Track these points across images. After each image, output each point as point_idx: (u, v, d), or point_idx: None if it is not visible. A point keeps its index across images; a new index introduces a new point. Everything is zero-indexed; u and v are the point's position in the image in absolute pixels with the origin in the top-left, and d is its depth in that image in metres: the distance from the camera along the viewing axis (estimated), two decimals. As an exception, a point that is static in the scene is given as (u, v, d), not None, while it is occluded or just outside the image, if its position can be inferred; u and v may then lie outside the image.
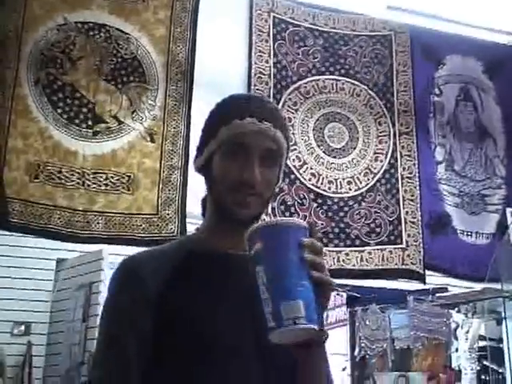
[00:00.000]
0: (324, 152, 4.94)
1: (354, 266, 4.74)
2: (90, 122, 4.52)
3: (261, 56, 4.92)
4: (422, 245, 4.93)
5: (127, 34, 4.73)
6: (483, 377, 4.65)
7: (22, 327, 4.18)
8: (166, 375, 1.22)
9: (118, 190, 4.44)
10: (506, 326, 4.44)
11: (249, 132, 1.30)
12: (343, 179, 4.91)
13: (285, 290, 1.10)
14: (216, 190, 1.34)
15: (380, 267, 4.79)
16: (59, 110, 4.46)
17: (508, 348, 4.45)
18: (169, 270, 1.26)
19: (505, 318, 4.43)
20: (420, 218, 5.00)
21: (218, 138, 1.33)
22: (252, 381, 1.23)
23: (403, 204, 4.98)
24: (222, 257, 1.32)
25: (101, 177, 4.43)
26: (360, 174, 4.96)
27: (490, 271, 4.53)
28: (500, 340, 4.56)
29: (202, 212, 1.43)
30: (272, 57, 4.94)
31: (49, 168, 4.33)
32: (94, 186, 4.40)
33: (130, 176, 4.48)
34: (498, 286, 4.45)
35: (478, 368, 4.69)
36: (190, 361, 1.20)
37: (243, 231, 1.28)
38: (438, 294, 4.48)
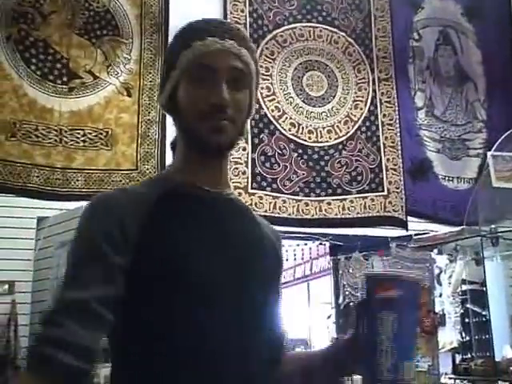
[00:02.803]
0: (303, 101, 4.89)
1: (336, 215, 4.75)
2: (64, 78, 4.46)
3: (236, 5, 4.83)
4: (403, 191, 4.95)
5: (99, -14, 4.63)
6: (467, 320, 4.71)
7: (6, 286, 4.16)
8: (145, 312, 1.15)
9: (96, 147, 4.40)
10: (484, 266, 4.48)
11: (211, 51, 1.20)
12: (323, 128, 4.88)
13: (410, 349, 1.12)
14: (185, 121, 1.24)
15: (362, 215, 4.81)
16: (33, 67, 4.39)
17: (486, 288, 4.51)
18: (144, 206, 1.18)
19: (483, 258, 4.46)
20: (401, 164, 5.00)
21: (178, 65, 1.23)
22: (232, 316, 1.18)
23: (384, 151, 4.97)
24: (197, 193, 1.25)
25: (78, 133, 4.38)
26: (340, 122, 4.93)
27: (471, 215, 4.55)
28: (482, 283, 4.60)
29: (172, 154, 1.36)
30: (247, 6, 4.86)
31: (25, 126, 4.28)
32: (72, 142, 4.36)
33: (107, 132, 4.44)
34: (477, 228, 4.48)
35: (462, 311, 4.75)
36: (169, 298, 1.14)
37: (215, 164, 1.26)
38: (416, 237, 4.49)
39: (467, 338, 4.72)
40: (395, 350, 1.08)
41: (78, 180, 4.32)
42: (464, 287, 4.72)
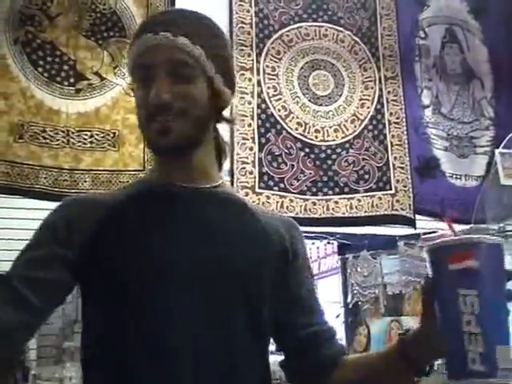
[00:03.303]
0: (309, 100, 4.89)
1: (343, 213, 4.74)
2: (71, 80, 4.47)
3: (242, 5, 4.84)
4: (411, 190, 4.93)
5: (105, -13, 4.65)
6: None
7: (15, 288, 4.20)
8: (108, 310, 1.17)
9: (103, 148, 4.41)
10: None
11: (146, 49, 1.16)
12: (330, 127, 4.88)
13: (502, 331, 0.94)
14: (138, 123, 1.25)
15: (370, 214, 4.80)
16: (40, 69, 4.40)
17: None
18: (106, 207, 1.20)
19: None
20: (408, 162, 4.99)
21: (128, 67, 1.24)
22: (196, 313, 1.15)
23: (391, 149, 4.96)
24: (169, 190, 1.23)
25: (85, 134, 4.39)
26: (347, 121, 4.93)
27: (479, 213, 4.53)
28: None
29: None
30: (253, 6, 4.86)
31: (33, 128, 4.30)
32: (79, 144, 4.37)
33: (114, 133, 4.45)
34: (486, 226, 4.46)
35: (471, 309, 4.75)
36: (120, 295, 1.15)
37: (184, 160, 1.23)
38: (423, 236, 4.48)
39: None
40: (485, 333, 0.91)
41: (85, 181, 4.33)
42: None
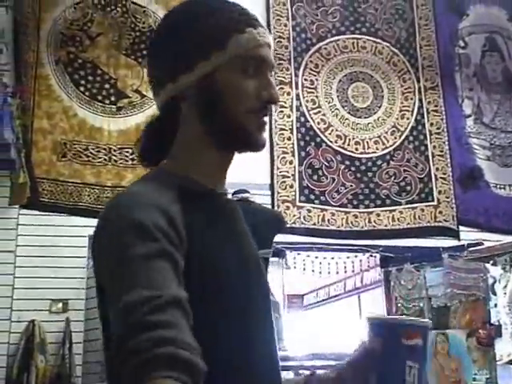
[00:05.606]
0: (349, 113, 4.88)
1: (385, 226, 4.71)
2: (112, 98, 4.54)
3: (279, 20, 4.86)
4: (454, 201, 4.87)
5: (144, 7, 4.71)
6: (524, 330, 4.61)
7: (60, 305, 4.24)
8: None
9: (145, 164, 4.45)
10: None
11: (263, 44, 1.11)
12: (370, 139, 4.86)
13: None
14: (229, 114, 1.10)
15: (412, 226, 4.75)
16: (82, 88, 4.48)
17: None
18: (175, 208, 1.03)
19: (541, 269, 4.36)
20: (451, 173, 4.93)
21: (229, 49, 1.10)
22: (263, 320, 1.12)
23: (433, 160, 4.91)
24: (210, 194, 1.13)
25: (127, 151, 4.45)
26: (387, 132, 4.90)
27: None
28: (539, 292, 4.49)
29: (142, 149, 1.16)
30: (290, 20, 4.88)
31: (75, 146, 4.37)
32: (121, 161, 4.43)
33: (155, 149, 4.49)
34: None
35: (519, 322, 4.64)
36: (208, 305, 1.09)
37: (230, 163, 1.15)
38: (471, 248, 4.40)
39: (525, 350, 4.60)
40: None
41: (127, 198, 4.37)
42: (520, 297, 4.60)
